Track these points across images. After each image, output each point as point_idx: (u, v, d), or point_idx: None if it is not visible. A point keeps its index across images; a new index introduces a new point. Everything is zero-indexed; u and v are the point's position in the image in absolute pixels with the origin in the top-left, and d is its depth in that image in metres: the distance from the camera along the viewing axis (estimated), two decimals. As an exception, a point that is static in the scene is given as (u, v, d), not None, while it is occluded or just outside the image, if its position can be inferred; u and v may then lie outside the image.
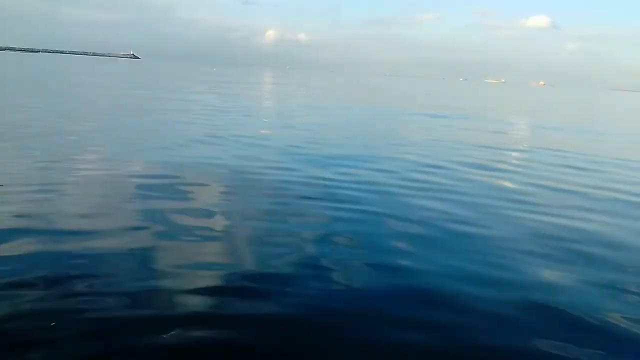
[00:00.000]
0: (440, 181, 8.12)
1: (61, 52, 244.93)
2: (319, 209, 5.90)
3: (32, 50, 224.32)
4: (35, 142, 9.35)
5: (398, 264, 4.32)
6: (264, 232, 5.08)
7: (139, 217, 5.32)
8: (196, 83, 42.09)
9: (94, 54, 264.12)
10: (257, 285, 3.85)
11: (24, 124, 11.51)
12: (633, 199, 7.81)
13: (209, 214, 5.48)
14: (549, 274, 4.36)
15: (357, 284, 3.95)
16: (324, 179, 7.50)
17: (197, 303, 3.52)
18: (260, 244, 4.78)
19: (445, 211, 6.18)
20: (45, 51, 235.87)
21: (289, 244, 4.73)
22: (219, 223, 5.23)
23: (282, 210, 5.87)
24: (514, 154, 12.51)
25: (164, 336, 3.04)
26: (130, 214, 5.43)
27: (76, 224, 4.95)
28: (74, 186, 6.44)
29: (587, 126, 24.62)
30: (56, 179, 6.67)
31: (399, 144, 12.67)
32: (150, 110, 17.12)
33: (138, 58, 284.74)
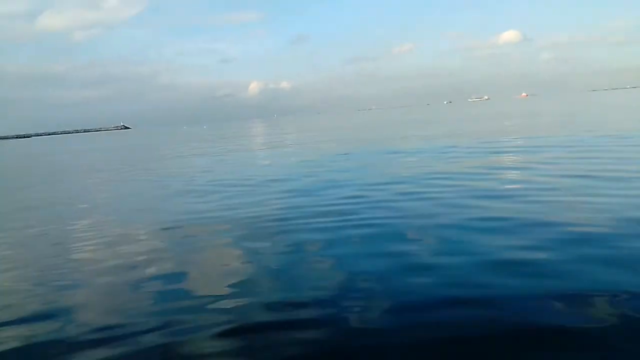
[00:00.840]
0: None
1: (53, 134, 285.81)
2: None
3: (25, 136, 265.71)
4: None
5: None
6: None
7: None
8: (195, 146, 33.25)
9: (85, 131, 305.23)
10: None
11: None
12: None
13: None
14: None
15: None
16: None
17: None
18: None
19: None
20: (37, 135, 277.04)
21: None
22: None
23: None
24: None
25: None
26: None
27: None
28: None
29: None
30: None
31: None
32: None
33: (129, 128, 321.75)
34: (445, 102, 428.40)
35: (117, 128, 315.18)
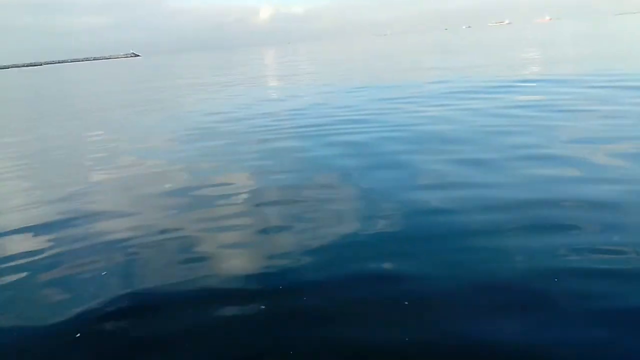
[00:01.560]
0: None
1: (63, 62, 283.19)
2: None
3: (34, 64, 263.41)
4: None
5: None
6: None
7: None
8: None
9: (95, 59, 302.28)
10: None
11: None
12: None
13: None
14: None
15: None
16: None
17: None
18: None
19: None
20: (47, 63, 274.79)
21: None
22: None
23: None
24: None
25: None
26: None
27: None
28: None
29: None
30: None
31: None
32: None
33: (138, 56, 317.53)
34: (464, 27, 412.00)
35: (126, 56, 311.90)
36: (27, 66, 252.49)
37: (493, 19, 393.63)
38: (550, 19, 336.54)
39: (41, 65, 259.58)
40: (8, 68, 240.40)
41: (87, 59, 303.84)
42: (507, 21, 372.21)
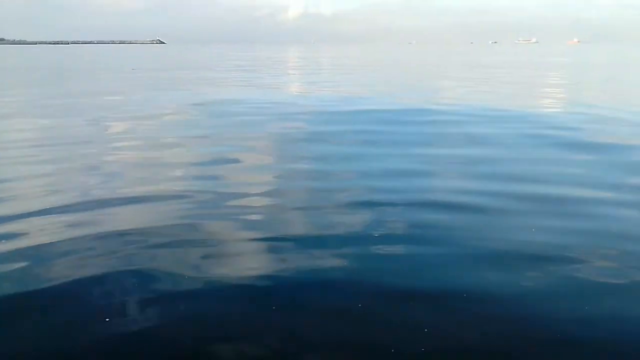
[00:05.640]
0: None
1: (90, 43, 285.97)
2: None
3: (62, 43, 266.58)
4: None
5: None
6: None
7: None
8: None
9: (121, 42, 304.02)
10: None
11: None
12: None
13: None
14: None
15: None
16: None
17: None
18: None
19: None
20: (75, 42, 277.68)
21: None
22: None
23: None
24: None
25: None
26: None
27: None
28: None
29: None
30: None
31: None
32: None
33: (164, 43, 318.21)
34: (490, 42, 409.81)
35: (152, 42, 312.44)
36: (54, 44, 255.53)
37: (520, 37, 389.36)
38: (579, 41, 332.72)
39: (68, 44, 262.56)
40: (36, 44, 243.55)
41: (112, 42, 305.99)
42: (534, 39, 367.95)
